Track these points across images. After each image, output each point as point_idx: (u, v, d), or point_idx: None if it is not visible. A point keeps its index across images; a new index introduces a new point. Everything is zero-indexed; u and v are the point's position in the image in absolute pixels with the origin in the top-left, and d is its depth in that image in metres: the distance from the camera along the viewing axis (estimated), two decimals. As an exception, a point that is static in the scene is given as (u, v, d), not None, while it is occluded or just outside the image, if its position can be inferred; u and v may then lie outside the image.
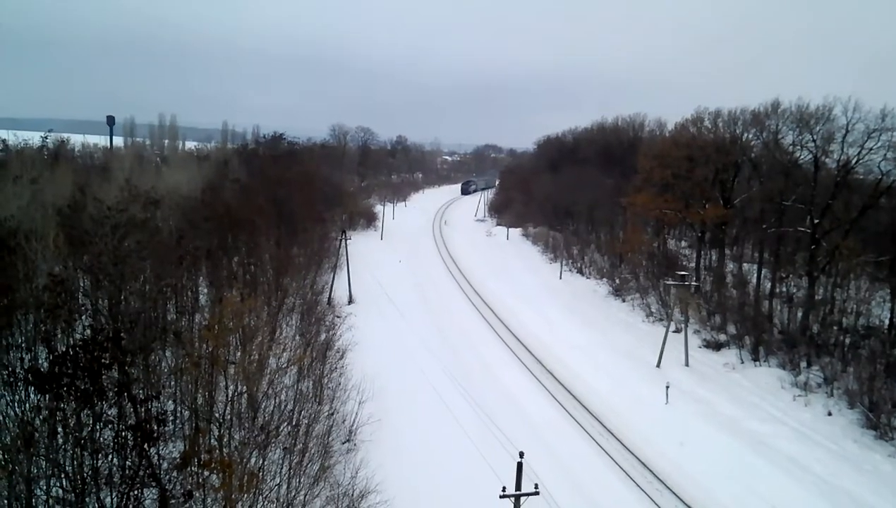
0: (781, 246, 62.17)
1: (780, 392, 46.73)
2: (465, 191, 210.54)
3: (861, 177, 58.81)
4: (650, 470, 35.78)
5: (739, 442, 39.55)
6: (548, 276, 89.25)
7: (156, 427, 21.61)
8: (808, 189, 58.19)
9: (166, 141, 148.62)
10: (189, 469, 23.32)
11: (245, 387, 29.93)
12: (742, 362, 52.47)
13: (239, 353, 31.33)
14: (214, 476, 23.24)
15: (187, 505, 22.58)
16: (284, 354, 35.70)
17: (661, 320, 63.12)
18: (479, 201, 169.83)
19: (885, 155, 53.14)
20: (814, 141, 58.31)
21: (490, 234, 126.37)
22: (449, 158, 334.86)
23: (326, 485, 29.10)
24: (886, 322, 51.43)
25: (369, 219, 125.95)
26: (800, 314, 54.74)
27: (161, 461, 24.07)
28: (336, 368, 42.65)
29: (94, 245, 39.37)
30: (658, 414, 43.55)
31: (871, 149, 53.75)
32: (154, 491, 22.36)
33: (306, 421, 31.04)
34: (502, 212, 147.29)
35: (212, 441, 26.39)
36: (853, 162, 55.48)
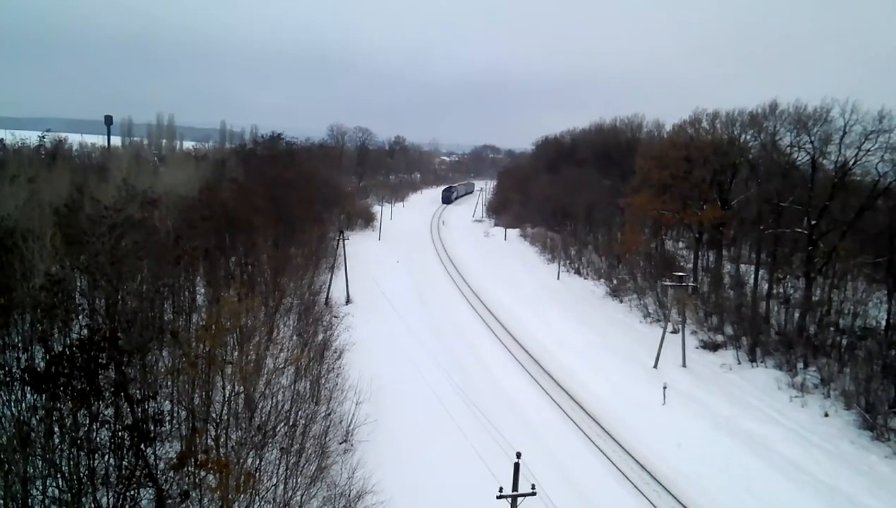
0: (779, 247, 62.23)
1: (777, 393, 46.79)
2: (446, 200, 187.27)
3: (858, 178, 58.91)
4: (647, 471, 35.80)
5: (736, 443, 39.58)
6: (545, 277, 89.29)
7: (152, 428, 21.62)
8: (805, 190, 58.27)
9: (164, 140, 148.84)
10: (186, 469, 23.31)
11: (242, 387, 29.89)
12: (739, 363, 52.52)
13: (236, 353, 31.30)
14: (211, 477, 23.24)
15: (184, 506, 22.58)
16: (282, 354, 35.67)
17: (658, 321, 63.17)
18: (476, 202, 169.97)
19: (883, 156, 53.23)
20: (811, 142, 58.42)
21: (488, 235, 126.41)
22: (447, 159, 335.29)
23: (323, 486, 29.07)
24: (883, 323, 51.41)
25: (367, 220, 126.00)
26: (797, 315, 54.81)
27: (158, 461, 24.04)
28: (333, 368, 42.64)
29: (91, 244, 39.29)
30: (655, 415, 43.58)
31: (868, 150, 53.83)
32: (151, 491, 22.34)
33: (303, 422, 31.03)
34: (500, 212, 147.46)
35: (208, 441, 26.35)
36: (850, 163, 55.56)
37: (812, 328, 53.13)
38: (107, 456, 20.50)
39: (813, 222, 56.20)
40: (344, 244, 73.62)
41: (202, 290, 48.32)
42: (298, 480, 27.09)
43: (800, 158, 62.37)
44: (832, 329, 52.21)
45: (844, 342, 50.14)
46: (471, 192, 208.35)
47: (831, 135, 56.42)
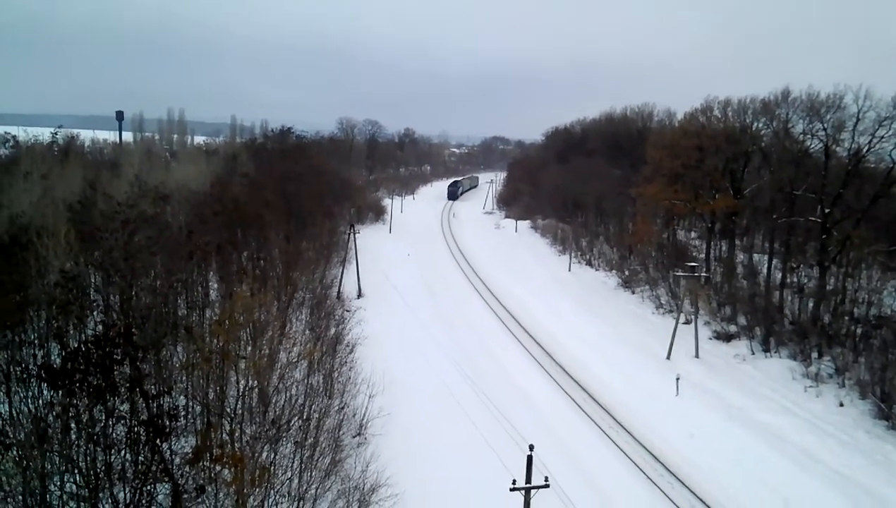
0: (792, 236, 61.73)
1: (791, 383, 46.53)
2: (452, 196, 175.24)
3: (872, 165, 58.31)
4: (661, 463, 35.74)
5: (750, 434, 39.41)
6: (557, 269, 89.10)
7: (168, 423, 21.80)
8: (818, 178, 57.74)
9: (175, 135, 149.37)
10: (201, 463, 23.50)
11: (256, 382, 30.06)
12: (753, 353, 52.25)
13: (249, 348, 31.45)
14: (226, 471, 23.43)
15: (200, 500, 22.76)
16: (295, 348, 35.81)
17: (670, 312, 62.92)
18: (487, 193, 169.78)
19: (897, 143, 52.68)
20: (824, 129, 57.82)
21: (498, 227, 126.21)
22: (457, 151, 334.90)
23: (337, 479, 29.23)
24: (899, 311, 51.02)
25: (378, 213, 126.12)
26: (811, 304, 54.41)
27: (173, 456, 24.22)
28: (346, 362, 42.78)
29: (104, 241, 39.60)
30: (668, 406, 43.46)
31: (882, 137, 53.29)
32: (167, 486, 22.53)
33: (317, 416, 31.12)
34: (511, 204, 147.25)
35: (223, 435, 26.57)
36: (864, 150, 55.00)
37: (826, 317, 52.74)
38: (123, 452, 20.71)
39: (826, 210, 55.72)
40: (355, 237, 73.75)
41: (215, 285, 48.58)
42: (313, 474, 27.22)
43: (813, 146, 61.80)
44: (847, 318, 51.80)
45: (859, 331, 49.75)
46: (475, 186, 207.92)
47: (844, 121, 55.86)
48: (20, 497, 19.15)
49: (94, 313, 35.85)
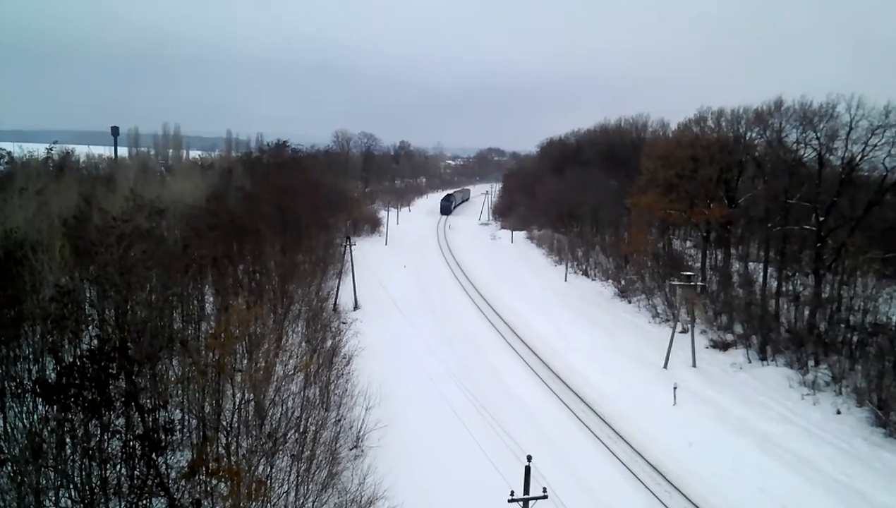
0: (787, 244, 61.93)
1: (789, 391, 46.55)
2: (445, 210, 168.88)
3: (866, 173, 58.61)
4: (659, 472, 35.65)
5: (748, 442, 39.39)
6: (553, 279, 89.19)
7: (163, 437, 21.69)
8: (812, 187, 57.97)
9: (170, 150, 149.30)
10: (197, 477, 23.34)
11: (252, 395, 29.95)
12: (749, 361, 52.26)
13: (245, 361, 31.40)
14: (223, 485, 23.27)
15: (196, 514, 22.58)
16: (291, 361, 35.71)
17: (667, 321, 62.97)
18: (482, 205, 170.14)
19: (890, 151, 52.93)
20: (818, 138, 58.13)
21: (494, 238, 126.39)
22: (452, 162, 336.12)
23: (335, 492, 29.08)
24: (894, 319, 51.06)
25: (374, 225, 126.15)
26: (807, 312, 54.48)
27: (169, 470, 24.12)
28: (342, 374, 42.64)
29: (99, 255, 39.47)
30: (666, 415, 43.41)
31: (875, 145, 53.56)
32: (162, 501, 22.39)
33: (313, 428, 31.03)
34: (506, 215, 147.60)
35: (219, 449, 26.39)
36: (857, 158, 55.25)
37: (822, 325, 52.79)
38: (118, 466, 20.62)
39: (821, 218, 55.92)
40: (351, 250, 73.71)
41: (211, 299, 48.49)
42: (309, 487, 27.09)
43: (806, 155, 62.12)
44: (843, 325, 51.86)
45: (855, 338, 49.77)
46: (467, 199, 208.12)
47: (837, 130, 56.18)
48: (15, 514, 19.04)
49: (90, 327, 35.74)
